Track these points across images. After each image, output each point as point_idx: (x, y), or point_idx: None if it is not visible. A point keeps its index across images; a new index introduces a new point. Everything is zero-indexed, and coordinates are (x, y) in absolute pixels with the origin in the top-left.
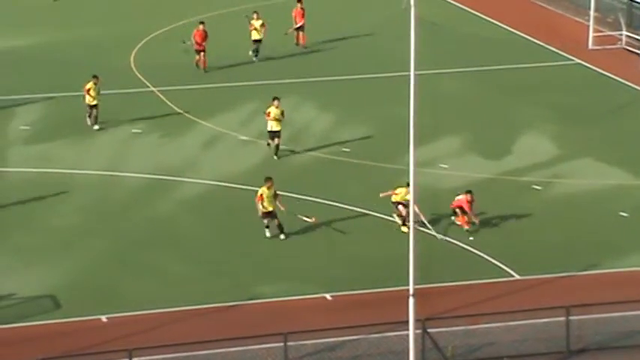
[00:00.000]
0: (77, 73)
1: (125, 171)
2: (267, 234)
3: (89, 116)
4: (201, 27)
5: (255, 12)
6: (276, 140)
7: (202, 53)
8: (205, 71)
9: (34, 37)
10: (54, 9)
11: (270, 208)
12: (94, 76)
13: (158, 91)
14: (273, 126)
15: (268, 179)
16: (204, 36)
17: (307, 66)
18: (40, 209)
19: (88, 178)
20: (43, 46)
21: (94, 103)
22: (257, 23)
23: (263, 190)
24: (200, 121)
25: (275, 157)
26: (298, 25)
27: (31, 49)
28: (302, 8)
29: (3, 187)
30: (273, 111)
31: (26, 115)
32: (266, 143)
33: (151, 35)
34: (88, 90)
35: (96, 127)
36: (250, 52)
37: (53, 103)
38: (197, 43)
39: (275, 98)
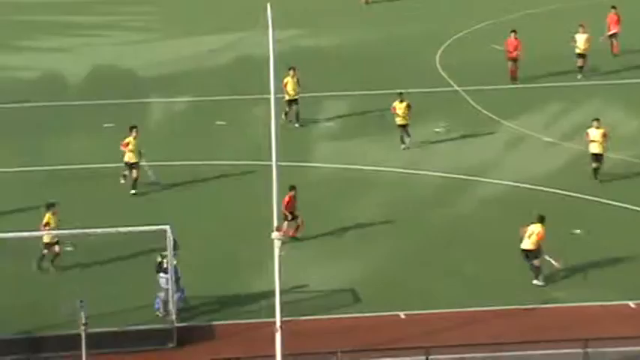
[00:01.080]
0: (384, 71)
1: (426, 169)
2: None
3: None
4: (512, 35)
5: (581, 25)
6: None
7: (514, 62)
8: (513, 80)
9: (342, 37)
10: (365, 11)
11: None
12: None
13: (462, 90)
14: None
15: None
16: (516, 45)
17: (613, 67)
18: (343, 204)
19: (389, 175)
20: (352, 46)
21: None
22: (581, 37)
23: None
24: (503, 121)
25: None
26: (612, 33)
27: (340, 48)
28: (616, 14)
29: (308, 181)
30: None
31: (332, 111)
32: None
33: (458, 35)
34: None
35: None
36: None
37: (358, 100)
38: (509, 51)
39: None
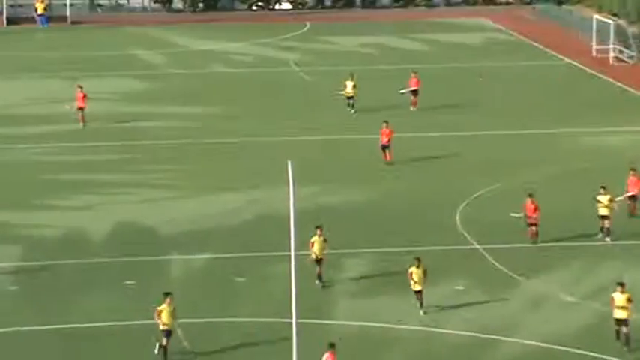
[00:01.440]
0: (404, 227)
1: (446, 327)
2: None
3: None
4: (529, 200)
5: (602, 187)
6: None
7: (534, 227)
8: (533, 241)
9: (364, 193)
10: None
11: None
12: None
13: (483, 249)
14: None
15: None
16: (534, 208)
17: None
18: None
19: (409, 332)
20: (372, 201)
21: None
22: (603, 198)
23: None
24: (523, 279)
25: None
26: (630, 195)
27: (360, 204)
28: (635, 176)
29: (327, 339)
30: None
31: (352, 269)
32: None
33: (479, 193)
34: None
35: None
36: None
37: (378, 257)
38: (527, 216)
39: None
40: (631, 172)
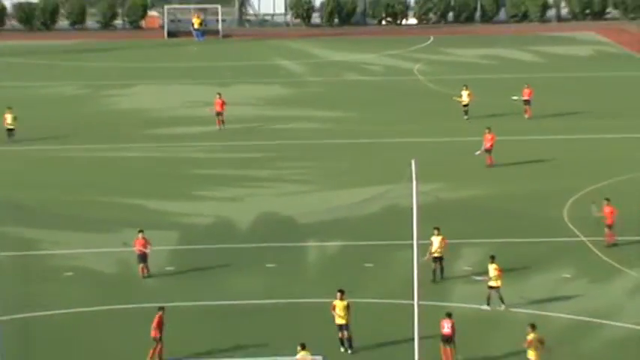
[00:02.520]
0: (517, 221)
1: (554, 311)
2: None
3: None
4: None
5: None
6: None
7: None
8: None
9: (479, 190)
10: (487, 172)
11: None
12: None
13: (588, 241)
14: None
15: None
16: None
17: None
18: (479, 339)
19: (519, 314)
20: (487, 198)
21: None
22: None
23: None
24: (627, 270)
25: None
26: None
27: (477, 199)
28: None
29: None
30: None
31: (470, 257)
32: None
33: (584, 190)
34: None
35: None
36: None
37: (494, 247)
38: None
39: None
40: None
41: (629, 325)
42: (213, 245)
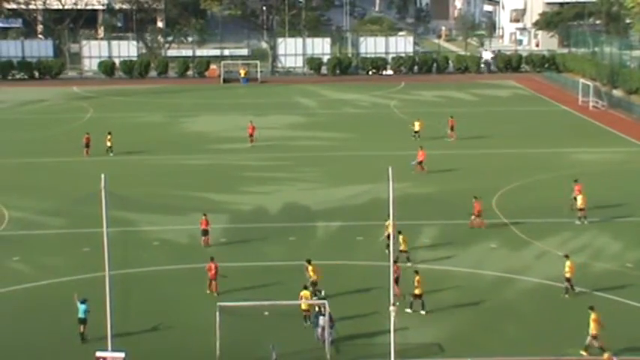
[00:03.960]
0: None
1: (485, 269)
2: None
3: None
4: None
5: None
6: None
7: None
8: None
9: (435, 187)
10: (436, 175)
11: None
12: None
13: (509, 222)
14: None
15: None
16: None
17: None
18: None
19: (458, 272)
20: (442, 192)
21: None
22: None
23: None
24: (533, 241)
25: None
26: None
27: (433, 194)
28: None
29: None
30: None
31: (426, 237)
32: None
33: (505, 188)
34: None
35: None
36: None
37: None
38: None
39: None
40: (574, 183)
41: (535, 279)
42: (252, 224)
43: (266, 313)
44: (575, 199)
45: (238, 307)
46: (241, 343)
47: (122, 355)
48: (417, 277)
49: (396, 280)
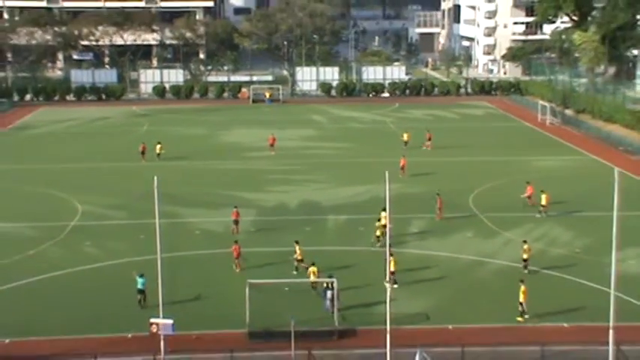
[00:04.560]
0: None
1: (462, 254)
2: None
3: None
4: (528, 186)
5: (542, 191)
6: None
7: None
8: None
9: (422, 186)
10: (421, 178)
11: None
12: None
13: (482, 216)
14: None
15: None
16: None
17: None
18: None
19: (444, 257)
20: (424, 192)
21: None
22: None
23: None
24: (502, 231)
25: None
26: None
27: (419, 194)
28: None
29: None
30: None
31: (418, 227)
32: None
33: (480, 189)
34: None
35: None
36: None
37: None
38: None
39: None
40: (527, 184)
41: (504, 262)
42: (275, 217)
43: (286, 288)
44: (529, 197)
45: (264, 283)
46: (266, 313)
47: (171, 321)
48: (393, 259)
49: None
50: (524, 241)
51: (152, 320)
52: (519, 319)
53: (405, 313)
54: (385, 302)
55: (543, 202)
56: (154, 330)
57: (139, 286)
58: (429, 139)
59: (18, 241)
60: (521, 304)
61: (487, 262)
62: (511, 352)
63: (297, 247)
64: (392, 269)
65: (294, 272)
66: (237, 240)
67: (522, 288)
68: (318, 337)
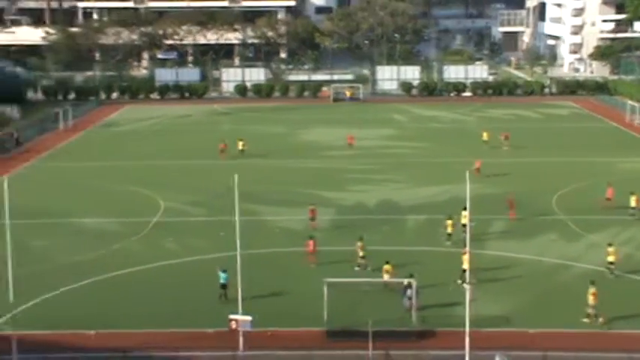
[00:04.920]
0: (521, 205)
1: (546, 257)
2: None
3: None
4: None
5: (631, 192)
6: None
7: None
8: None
9: (498, 187)
10: (502, 178)
11: None
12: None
13: (566, 218)
14: None
15: None
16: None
17: None
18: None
19: (522, 259)
20: (503, 193)
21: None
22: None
23: None
24: (587, 234)
25: None
26: None
27: (500, 195)
28: None
29: None
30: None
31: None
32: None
33: (562, 190)
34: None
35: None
36: None
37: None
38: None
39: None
40: (608, 185)
41: (588, 266)
42: (354, 216)
43: (366, 288)
44: (608, 199)
45: (342, 282)
46: (344, 312)
47: (249, 318)
48: (467, 257)
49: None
50: (610, 244)
51: (231, 316)
52: (585, 320)
53: (484, 315)
54: (465, 304)
55: (633, 204)
56: (233, 326)
57: (222, 281)
58: (507, 138)
59: (103, 236)
60: (591, 306)
61: (571, 266)
62: (594, 359)
63: (359, 244)
64: (464, 267)
65: (356, 269)
66: (311, 236)
67: (592, 290)
68: (396, 338)
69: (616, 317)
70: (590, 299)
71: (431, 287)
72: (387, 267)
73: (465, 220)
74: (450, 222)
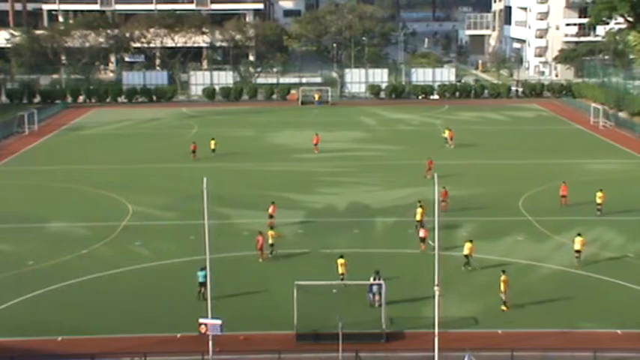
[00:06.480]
0: (488, 207)
1: (513, 257)
2: None
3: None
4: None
5: (599, 189)
6: None
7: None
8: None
9: (476, 189)
10: (468, 178)
11: None
12: None
13: (532, 219)
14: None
15: None
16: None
17: None
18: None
19: (492, 260)
20: (482, 195)
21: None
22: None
23: None
24: (553, 235)
25: None
26: None
27: (473, 197)
28: None
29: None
30: None
31: (465, 230)
32: None
33: (528, 193)
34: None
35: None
36: None
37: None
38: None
39: None
40: (562, 183)
41: (555, 266)
42: (323, 219)
43: (334, 290)
44: (563, 197)
45: (312, 285)
46: (314, 315)
47: (219, 322)
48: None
49: (422, 240)
50: (579, 234)
51: (201, 320)
52: (503, 308)
53: (453, 317)
54: (434, 305)
55: (598, 200)
56: (203, 330)
57: (200, 279)
58: (451, 138)
59: (71, 241)
60: (503, 292)
61: (538, 266)
62: (562, 358)
63: (340, 261)
64: (418, 218)
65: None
66: (261, 232)
67: (502, 277)
68: (365, 340)
69: (582, 316)
70: (502, 287)
71: (400, 289)
72: (341, 260)
73: (419, 217)
74: (420, 210)
